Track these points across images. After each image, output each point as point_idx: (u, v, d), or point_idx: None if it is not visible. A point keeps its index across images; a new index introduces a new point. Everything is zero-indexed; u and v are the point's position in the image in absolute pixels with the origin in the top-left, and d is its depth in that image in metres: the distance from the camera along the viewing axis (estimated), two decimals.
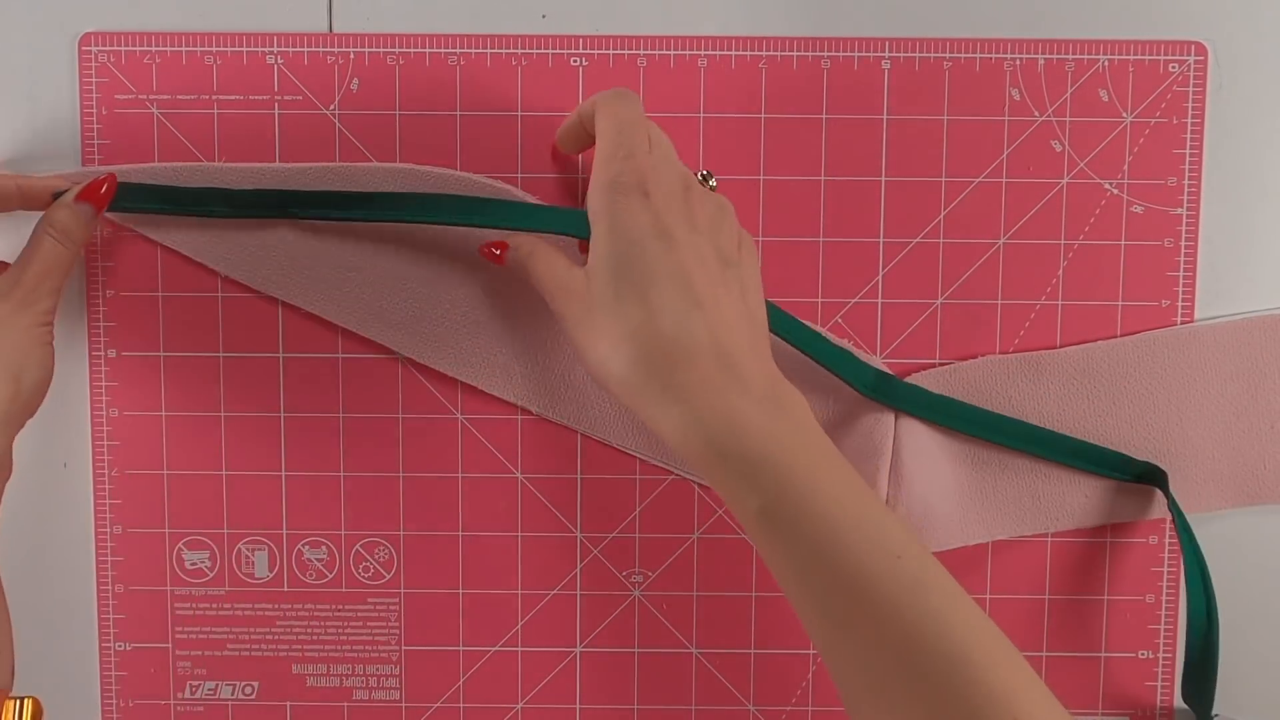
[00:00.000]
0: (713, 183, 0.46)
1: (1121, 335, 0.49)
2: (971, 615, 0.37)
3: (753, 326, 0.41)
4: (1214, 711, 0.50)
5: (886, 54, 0.48)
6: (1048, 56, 0.48)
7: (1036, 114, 0.49)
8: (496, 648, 0.51)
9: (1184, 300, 0.49)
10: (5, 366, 0.43)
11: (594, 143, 0.44)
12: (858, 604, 0.36)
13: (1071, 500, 0.49)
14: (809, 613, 0.38)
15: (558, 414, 0.49)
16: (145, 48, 0.48)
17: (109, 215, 0.47)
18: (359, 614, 0.51)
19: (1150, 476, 0.48)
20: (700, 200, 0.42)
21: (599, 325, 0.40)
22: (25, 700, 0.39)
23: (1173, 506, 0.48)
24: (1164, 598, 0.50)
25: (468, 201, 0.46)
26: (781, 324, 0.46)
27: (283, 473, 0.50)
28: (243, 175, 0.48)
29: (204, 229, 0.48)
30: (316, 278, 0.48)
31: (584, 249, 0.43)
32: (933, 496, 0.48)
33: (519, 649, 0.51)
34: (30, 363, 0.44)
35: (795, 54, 0.48)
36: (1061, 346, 0.49)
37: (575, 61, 0.49)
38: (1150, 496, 0.49)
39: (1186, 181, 0.49)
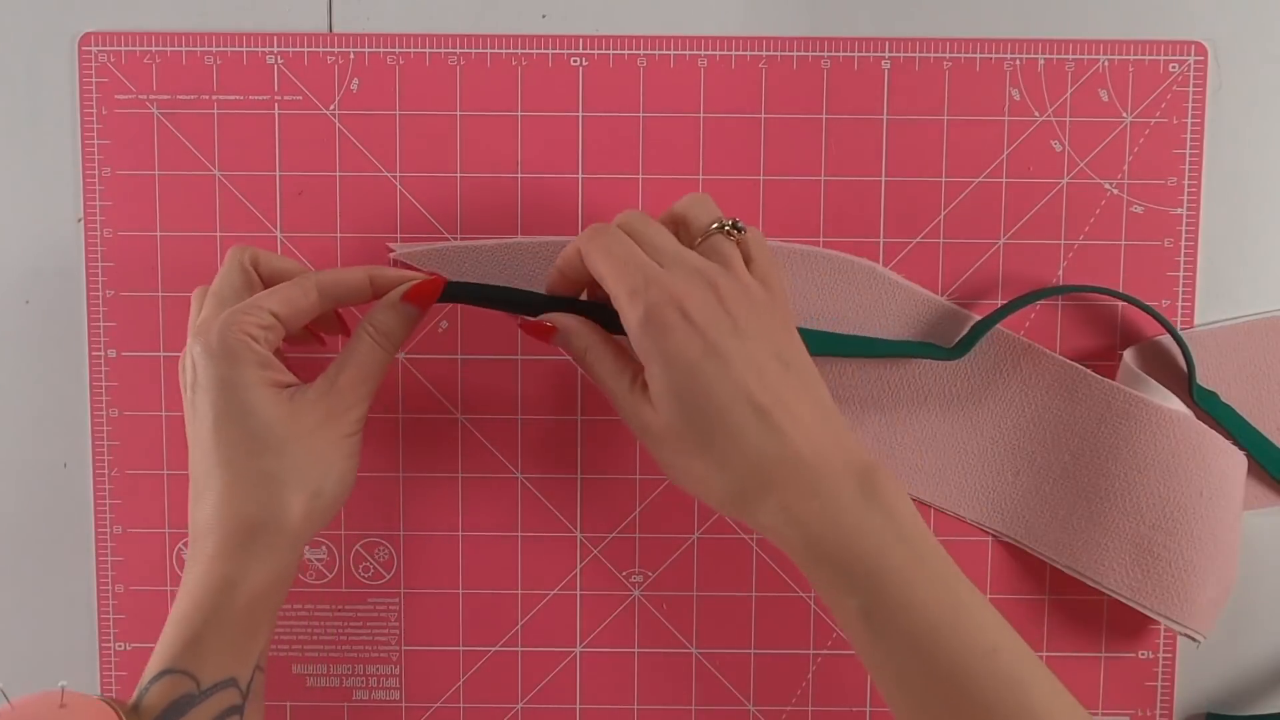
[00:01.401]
0: (740, 227, 0.42)
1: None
2: (1073, 711, 0.37)
3: (825, 413, 0.40)
4: (1207, 711, 0.51)
5: (886, 54, 0.48)
6: (1048, 56, 0.48)
7: (1036, 114, 0.49)
8: (496, 648, 0.51)
9: (1184, 300, 0.49)
10: (305, 482, 0.41)
11: (587, 286, 0.44)
12: (956, 705, 0.36)
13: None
14: (907, 715, 0.38)
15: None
16: (145, 48, 0.48)
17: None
18: (359, 614, 0.51)
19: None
20: (734, 298, 0.40)
21: (684, 459, 0.40)
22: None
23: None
24: None
25: None
26: (827, 344, 0.47)
27: None
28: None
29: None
30: None
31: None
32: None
33: (519, 649, 0.51)
34: (331, 477, 0.42)
35: (795, 54, 0.48)
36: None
37: (575, 61, 0.48)
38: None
39: (1186, 181, 0.49)
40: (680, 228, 0.42)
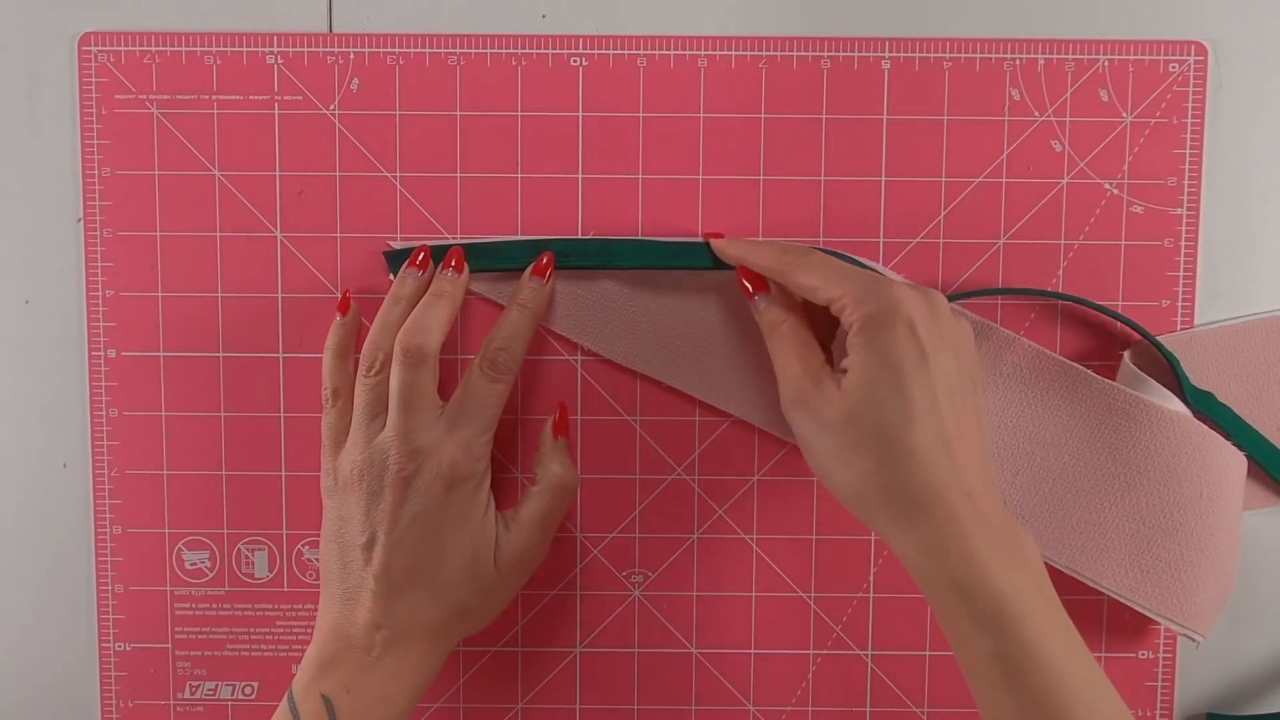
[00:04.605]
0: None
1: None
2: None
3: (988, 460, 0.41)
4: (1208, 711, 0.51)
5: (886, 54, 0.48)
6: (1048, 56, 0.48)
7: (1036, 114, 0.49)
8: (496, 648, 0.51)
9: (1184, 300, 0.49)
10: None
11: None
12: None
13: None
14: None
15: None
16: (145, 48, 0.48)
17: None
18: None
19: None
20: (947, 318, 0.42)
21: (843, 443, 0.40)
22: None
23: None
24: None
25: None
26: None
27: (283, 473, 0.50)
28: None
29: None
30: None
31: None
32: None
33: (519, 649, 0.51)
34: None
35: (795, 54, 0.48)
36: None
37: (575, 61, 0.49)
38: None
39: (1186, 181, 0.49)
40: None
